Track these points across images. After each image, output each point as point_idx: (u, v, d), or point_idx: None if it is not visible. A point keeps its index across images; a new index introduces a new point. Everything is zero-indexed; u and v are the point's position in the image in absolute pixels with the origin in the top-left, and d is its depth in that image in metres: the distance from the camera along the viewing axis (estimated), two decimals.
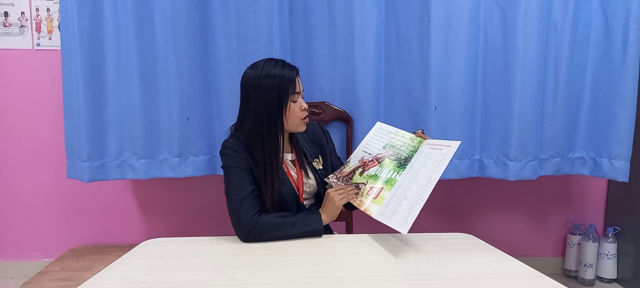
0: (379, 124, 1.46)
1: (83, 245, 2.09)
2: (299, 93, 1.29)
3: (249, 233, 1.21)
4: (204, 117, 1.78)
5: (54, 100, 2.00)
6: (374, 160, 1.36)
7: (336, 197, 1.28)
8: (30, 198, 2.09)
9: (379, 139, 1.41)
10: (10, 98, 2.02)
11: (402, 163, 1.31)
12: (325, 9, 1.72)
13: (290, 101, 1.27)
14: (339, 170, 1.41)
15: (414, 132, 1.38)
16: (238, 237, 1.23)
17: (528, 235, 2.25)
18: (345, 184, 1.34)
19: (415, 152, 1.32)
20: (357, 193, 1.31)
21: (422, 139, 1.34)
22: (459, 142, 1.24)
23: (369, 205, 1.26)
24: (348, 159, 1.43)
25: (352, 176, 1.36)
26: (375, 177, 1.32)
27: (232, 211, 1.24)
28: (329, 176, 1.39)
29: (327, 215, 1.29)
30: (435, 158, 1.23)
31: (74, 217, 2.10)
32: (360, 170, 1.36)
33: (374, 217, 1.23)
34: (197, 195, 2.10)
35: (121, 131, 1.75)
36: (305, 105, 1.30)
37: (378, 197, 1.26)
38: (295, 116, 1.29)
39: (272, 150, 1.26)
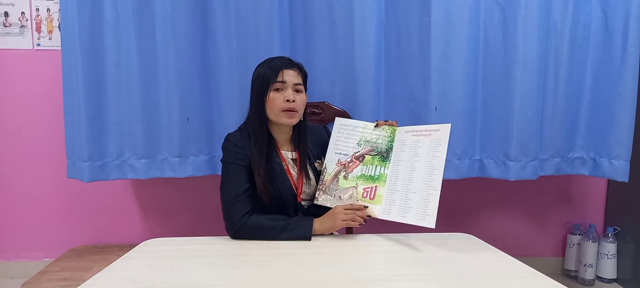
0: (338, 120, 1.42)
1: (83, 245, 2.09)
2: (281, 82, 1.27)
3: (237, 232, 1.22)
4: (204, 117, 1.78)
5: (54, 100, 2.00)
6: (354, 160, 1.34)
7: (339, 217, 1.23)
8: (31, 198, 2.09)
9: (348, 136, 1.38)
10: (10, 98, 2.02)
11: (385, 156, 1.30)
12: (325, 9, 1.72)
13: (271, 90, 1.27)
14: (320, 182, 1.36)
15: (375, 122, 1.37)
16: (227, 232, 1.25)
17: (528, 235, 2.25)
18: (332, 193, 1.31)
19: (393, 141, 1.31)
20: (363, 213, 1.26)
21: (395, 128, 1.34)
22: (449, 124, 1.22)
23: (369, 207, 1.26)
24: (324, 166, 1.37)
25: (337, 182, 1.33)
26: (362, 177, 1.30)
27: (224, 207, 1.25)
28: (317, 195, 1.35)
29: (322, 226, 1.25)
30: (427, 144, 1.23)
31: (74, 217, 2.10)
32: (342, 173, 1.33)
33: (379, 217, 1.23)
34: (197, 195, 2.10)
35: (121, 131, 1.75)
36: (290, 97, 1.27)
37: (375, 197, 1.26)
38: (275, 105, 1.28)
39: (258, 139, 1.28)
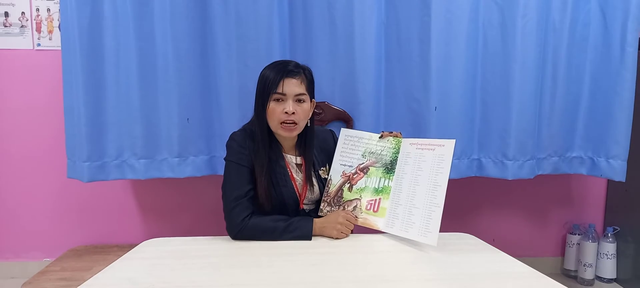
0: (344, 131, 1.42)
1: (83, 245, 2.09)
2: (281, 94, 1.24)
3: (237, 234, 1.22)
4: (203, 117, 1.78)
5: (54, 100, 2.00)
6: (358, 171, 1.33)
7: (341, 221, 1.24)
8: (30, 199, 2.09)
9: (353, 148, 1.37)
10: (10, 98, 2.02)
11: (389, 168, 1.30)
12: (325, 9, 1.72)
13: (271, 99, 1.25)
14: (325, 193, 1.36)
15: (380, 133, 1.36)
16: (227, 233, 1.25)
17: (528, 235, 2.25)
18: (339, 207, 1.31)
19: (397, 153, 1.31)
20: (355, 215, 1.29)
21: (399, 139, 1.33)
22: (454, 140, 1.21)
23: (372, 219, 1.26)
24: (329, 177, 1.37)
25: (341, 194, 1.33)
26: (366, 189, 1.30)
27: (225, 208, 1.25)
28: (321, 206, 1.35)
29: (320, 227, 1.25)
30: (431, 159, 1.22)
31: (74, 217, 2.10)
32: (347, 185, 1.33)
33: (382, 230, 1.23)
34: (196, 195, 2.10)
35: (121, 131, 1.75)
36: (289, 110, 1.25)
37: (379, 209, 1.26)
38: (274, 117, 1.26)
39: (260, 145, 1.27)
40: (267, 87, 1.25)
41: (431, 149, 1.24)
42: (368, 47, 1.72)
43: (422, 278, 0.99)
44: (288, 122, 1.26)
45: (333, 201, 1.33)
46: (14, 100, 2.03)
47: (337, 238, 1.23)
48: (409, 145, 1.30)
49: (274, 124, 1.28)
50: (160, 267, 1.04)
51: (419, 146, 1.27)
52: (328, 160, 1.41)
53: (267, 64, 1.32)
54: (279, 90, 1.24)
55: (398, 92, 1.80)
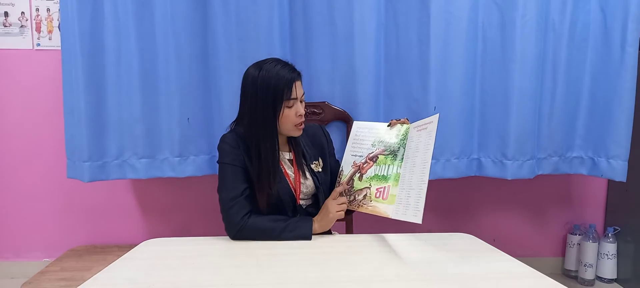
0: (355, 123, 1.43)
1: (83, 245, 2.09)
2: (295, 99, 1.26)
3: (237, 234, 1.22)
4: (204, 116, 1.78)
5: (54, 100, 2.00)
6: (368, 160, 1.34)
7: (332, 208, 1.27)
8: (30, 198, 2.09)
9: (364, 138, 1.38)
10: (10, 98, 2.02)
11: (397, 155, 1.30)
12: (325, 8, 1.72)
13: (285, 107, 1.25)
14: (337, 184, 1.37)
15: (388, 123, 1.37)
16: (227, 233, 1.25)
17: (528, 235, 2.25)
18: (348, 195, 1.33)
19: (405, 139, 1.31)
20: (356, 201, 1.30)
21: (408, 126, 1.34)
22: (438, 114, 1.22)
23: (382, 207, 1.25)
24: (340, 169, 1.39)
25: (352, 184, 1.34)
26: (376, 177, 1.30)
27: (223, 209, 1.25)
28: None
29: (320, 224, 1.27)
30: (424, 138, 1.23)
31: (74, 217, 2.10)
32: (357, 175, 1.34)
33: (392, 217, 1.22)
34: (197, 195, 2.10)
35: (121, 131, 1.75)
36: (301, 112, 1.27)
37: (388, 197, 1.26)
38: (289, 122, 1.27)
39: (268, 153, 1.25)
40: (279, 93, 1.23)
41: (424, 129, 1.25)
42: (368, 47, 1.72)
43: (422, 278, 0.98)
44: (301, 123, 1.29)
45: (344, 191, 1.35)
46: (13, 100, 2.03)
47: (340, 220, 1.27)
48: (412, 129, 1.31)
49: (288, 127, 1.28)
50: (160, 267, 1.04)
51: (419, 128, 1.28)
52: (321, 154, 1.42)
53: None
54: (294, 95, 1.25)
55: (397, 92, 1.80)
